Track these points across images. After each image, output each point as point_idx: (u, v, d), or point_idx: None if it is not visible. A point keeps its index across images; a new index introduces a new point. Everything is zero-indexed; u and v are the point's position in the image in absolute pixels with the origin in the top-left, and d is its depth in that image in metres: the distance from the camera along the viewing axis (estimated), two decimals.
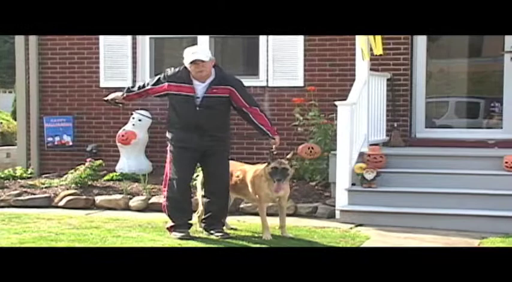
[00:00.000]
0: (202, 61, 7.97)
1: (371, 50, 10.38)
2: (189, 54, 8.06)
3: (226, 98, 8.12)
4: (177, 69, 8.26)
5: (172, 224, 8.21)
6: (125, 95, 8.45)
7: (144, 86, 8.36)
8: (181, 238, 8.00)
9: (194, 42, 12.34)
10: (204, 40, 12.19)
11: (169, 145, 8.26)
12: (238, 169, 8.45)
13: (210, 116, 8.02)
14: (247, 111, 8.20)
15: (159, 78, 8.27)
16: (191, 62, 7.99)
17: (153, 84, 8.28)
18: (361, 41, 10.14)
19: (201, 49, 8.19)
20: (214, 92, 8.05)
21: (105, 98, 8.64)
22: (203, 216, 8.39)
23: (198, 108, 8.01)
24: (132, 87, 8.60)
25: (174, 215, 8.20)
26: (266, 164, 8.16)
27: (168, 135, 8.27)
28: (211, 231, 8.24)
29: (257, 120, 8.23)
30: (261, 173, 8.21)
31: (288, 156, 8.17)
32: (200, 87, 8.06)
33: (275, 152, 8.17)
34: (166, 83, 8.17)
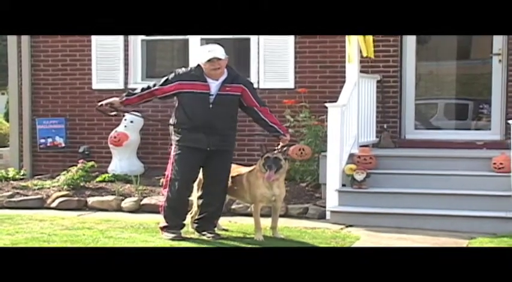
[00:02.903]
0: (219, 59, 7.98)
1: (360, 52, 10.40)
2: (206, 52, 8.06)
3: (237, 97, 8.14)
4: (189, 68, 8.29)
5: (165, 224, 8.21)
6: (124, 99, 8.29)
7: (148, 88, 8.24)
8: (173, 239, 8.00)
9: (186, 45, 12.39)
10: (195, 42, 12.20)
11: (174, 146, 8.21)
12: (234, 171, 8.44)
13: (222, 114, 8.02)
14: (258, 110, 8.23)
15: (167, 78, 8.18)
16: (208, 60, 7.98)
17: (161, 85, 8.17)
18: (352, 43, 10.18)
19: (217, 48, 8.11)
20: (227, 90, 8.06)
21: (100, 103, 8.40)
22: (196, 217, 8.38)
23: (211, 106, 7.99)
24: (133, 90, 8.43)
25: (169, 216, 8.19)
26: (260, 158, 8.21)
27: (175, 136, 8.20)
28: (203, 232, 8.23)
29: (268, 119, 8.27)
30: (256, 172, 8.23)
31: (278, 148, 8.23)
32: (214, 85, 8.05)
33: (279, 149, 8.22)
34: (176, 82, 8.10)
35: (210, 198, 8.24)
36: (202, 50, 8.21)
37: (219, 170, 8.20)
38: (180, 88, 8.08)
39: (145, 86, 8.33)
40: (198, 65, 8.13)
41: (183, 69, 8.31)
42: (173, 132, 8.25)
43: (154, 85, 8.22)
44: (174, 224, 8.16)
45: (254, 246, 7.79)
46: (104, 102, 8.37)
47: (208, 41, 11.90)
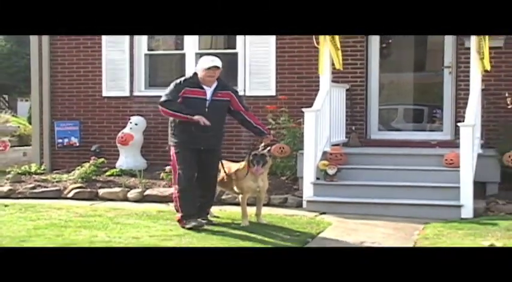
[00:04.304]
0: (218, 68, 7.91)
1: (333, 64, 10.40)
2: (208, 61, 7.93)
3: (227, 102, 8.05)
4: (186, 77, 8.14)
5: (181, 214, 7.93)
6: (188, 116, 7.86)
7: (172, 100, 7.82)
8: (194, 227, 7.71)
9: (182, 58, 12.36)
10: (191, 56, 12.21)
11: (174, 148, 7.99)
12: (225, 166, 8.40)
13: (214, 117, 7.88)
14: (244, 114, 8.17)
15: (176, 88, 7.88)
16: (209, 68, 7.87)
17: (176, 93, 7.83)
18: (324, 58, 10.19)
19: (217, 58, 7.99)
20: (219, 96, 7.97)
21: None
22: None
23: (206, 110, 7.87)
24: (175, 111, 7.86)
25: (183, 205, 7.90)
26: (248, 155, 8.17)
27: (174, 138, 8.00)
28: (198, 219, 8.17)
29: (253, 121, 8.23)
30: (244, 167, 8.20)
31: (262, 145, 8.22)
32: (208, 92, 7.94)
33: (263, 147, 8.20)
34: (184, 88, 7.87)
35: (203, 190, 8.16)
36: (204, 59, 8.03)
37: (210, 167, 8.11)
38: (186, 93, 7.88)
39: (172, 102, 7.84)
40: (195, 74, 8.02)
41: (182, 78, 8.13)
42: (173, 134, 8.09)
43: (170, 97, 7.84)
44: (188, 213, 7.88)
45: (240, 231, 7.78)
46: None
47: (202, 55, 11.90)
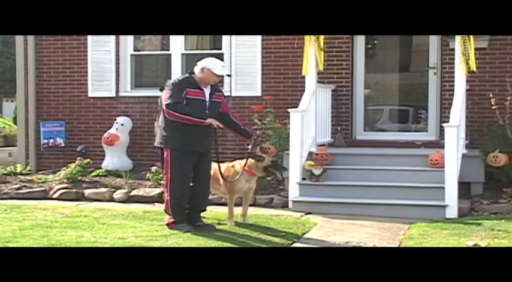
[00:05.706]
0: (229, 76, 7.86)
1: (317, 65, 10.42)
2: (220, 67, 7.77)
3: (219, 104, 7.97)
4: (182, 77, 7.93)
5: (173, 219, 7.83)
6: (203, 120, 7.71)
7: (179, 103, 7.58)
8: (188, 231, 7.60)
9: (168, 59, 12.33)
10: (177, 56, 12.19)
11: (171, 151, 7.69)
12: (211, 167, 8.33)
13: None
14: (231, 116, 8.12)
15: (176, 88, 7.61)
16: (221, 74, 7.82)
17: (179, 93, 7.59)
18: (309, 59, 10.21)
19: (224, 64, 7.84)
20: (214, 98, 7.87)
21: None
22: None
23: (207, 112, 7.76)
24: (187, 111, 7.59)
25: (177, 211, 7.78)
26: (255, 159, 8.08)
27: (173, 141, 7.69)
28: None
29: (240, 123, 8.20)
30: (237, 169, 8.17)
31: (249, 147, 8.17)
32: (206, 93, 7.81)
33: (250, 149, 8.14)
34: (186, 89, 7.64)
35: (199, 189, 7.91)
36: (215, 63, 7.79)
37: (205, 168, 7.96)
38: (188, 94, 7.67)
39: (180, 105, 7.58)
40: (191, 74, 7.84)
41: (178, 78, 7.94)
42: (169, 137, 7.74)
43: (178, 97, 7.59)
44: (180, 218, 7.79)
45: (225, 234, 7.77)
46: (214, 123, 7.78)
47: (188, 56, 11.92)
